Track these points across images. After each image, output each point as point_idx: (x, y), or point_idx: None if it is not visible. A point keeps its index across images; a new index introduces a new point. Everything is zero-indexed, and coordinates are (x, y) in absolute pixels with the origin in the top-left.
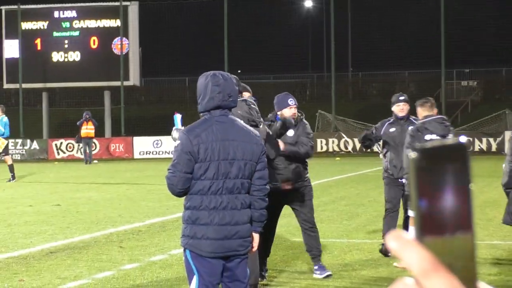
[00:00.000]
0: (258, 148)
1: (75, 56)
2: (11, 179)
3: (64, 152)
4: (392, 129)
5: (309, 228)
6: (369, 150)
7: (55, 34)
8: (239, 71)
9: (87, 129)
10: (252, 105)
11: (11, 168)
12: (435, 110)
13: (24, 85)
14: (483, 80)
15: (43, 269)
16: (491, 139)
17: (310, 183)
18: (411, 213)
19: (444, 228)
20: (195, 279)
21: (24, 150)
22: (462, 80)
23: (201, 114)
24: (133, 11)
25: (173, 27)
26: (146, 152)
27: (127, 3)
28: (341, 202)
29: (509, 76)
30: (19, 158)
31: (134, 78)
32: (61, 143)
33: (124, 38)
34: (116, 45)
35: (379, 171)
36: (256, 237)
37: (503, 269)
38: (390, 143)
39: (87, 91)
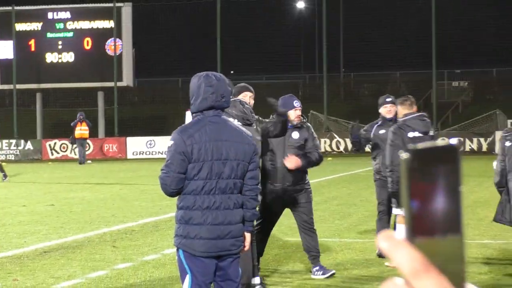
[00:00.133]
0: (250, 148)
1: (68, 57)
2: (3, 178)
3: (58, 153)
4: (382, 131)
5: (309, 229)
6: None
7: (49, 35)
8: (232, 71)
9: (81, 130)
10: (246, 105)
11: (0, 167)
12: (415, 108)
13: (18, 86)
14: (474, 80)
15: (37, 268)
16: (481, 139)
17: (310, 186)
18: (396, 211)
19: (435, 230)
20: (188, 279)
21: (18, 151)
22: (453, 80)
23: (193, 114)
24: (127, 12)
25: (166, 28)
26: (140, 152)
27: (121, 4)
28: (333, 201)
29: (499, 76)
30: (13, 158)
31: (127, 78)
32: (55, 143)
33: (117, 39)
34: (110, 46)
35: (371, 171)
36: (248, 236)
37: (493, 268)
38: (381, 145)
39: (81, 92)
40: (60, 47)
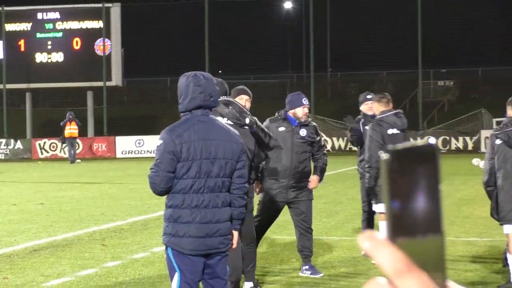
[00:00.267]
0: (238, 147)
1: (58, 57)
2: None
3: (48, 152)
4: (367, 127)
5: (306, 229)
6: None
7: (39, 35)
8: (220, 71)
9: (71, 129)
10: (237, 107)
11: None
12: (391, 105)
13: (8, 86)
14: (460, 80)
15: (27, 267)
16: (467, 138)
17: None
18: (376, 207)
19: (416, 230)
20: (176, 276)
21: (8, 150)
22: (439, 80)
23: (181, 114)
24: (115, 12)
25: (154, 28)
26: (129, 151)
27: (109, 4)
28: (320, 200)
29: (485, 76)
30: (3, 157)
31: (116, 78)
32: (45, 142)
33: (106, 39)
34: (99, 46)
35: (357, 170)
36: (235, 234)
37: (479, 265)
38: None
39: (70, 92)
40: (49, 47)
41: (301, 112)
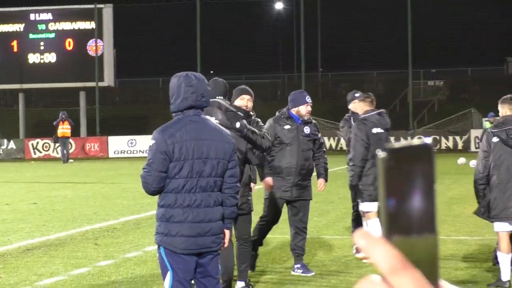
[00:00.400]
0: (230, 147)
1: (50, 57)
2: None
3: (41, 152)
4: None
5: (302, 229)
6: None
7: (31, 36)
8: (211, 71)
9: (63, 129)
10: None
11: None
12: (375, 105)
13: (1, 86)
14: (450, 80)
15: (20, 266)
16: (457, 137)
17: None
18: (362, 206)
19: (411, 228)
20: (169, 275)
21: (1, 150)
22: (429, 80)
23: (173, 114)
24: (108, 13)
25: (146, 29)
26: (121, 151)
27: (102, 5)
28: (312, 199)
29: (474, 75)
30: None
31: (108, 79)
32: (38, 142)
33: (98, 40)
34: (91, 47)
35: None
36: (227, 233)
37: (469, 264)
38: None
39: (63, 92)
40: (42, 47)
41: (304, 110)
